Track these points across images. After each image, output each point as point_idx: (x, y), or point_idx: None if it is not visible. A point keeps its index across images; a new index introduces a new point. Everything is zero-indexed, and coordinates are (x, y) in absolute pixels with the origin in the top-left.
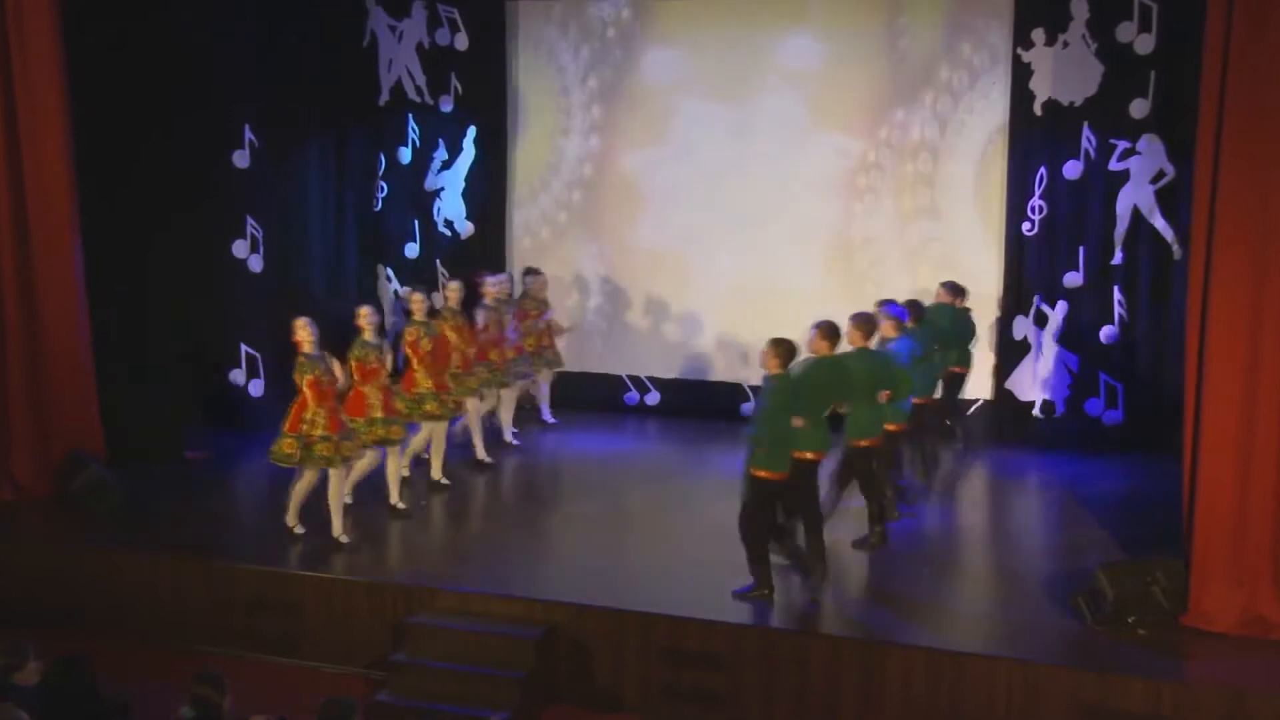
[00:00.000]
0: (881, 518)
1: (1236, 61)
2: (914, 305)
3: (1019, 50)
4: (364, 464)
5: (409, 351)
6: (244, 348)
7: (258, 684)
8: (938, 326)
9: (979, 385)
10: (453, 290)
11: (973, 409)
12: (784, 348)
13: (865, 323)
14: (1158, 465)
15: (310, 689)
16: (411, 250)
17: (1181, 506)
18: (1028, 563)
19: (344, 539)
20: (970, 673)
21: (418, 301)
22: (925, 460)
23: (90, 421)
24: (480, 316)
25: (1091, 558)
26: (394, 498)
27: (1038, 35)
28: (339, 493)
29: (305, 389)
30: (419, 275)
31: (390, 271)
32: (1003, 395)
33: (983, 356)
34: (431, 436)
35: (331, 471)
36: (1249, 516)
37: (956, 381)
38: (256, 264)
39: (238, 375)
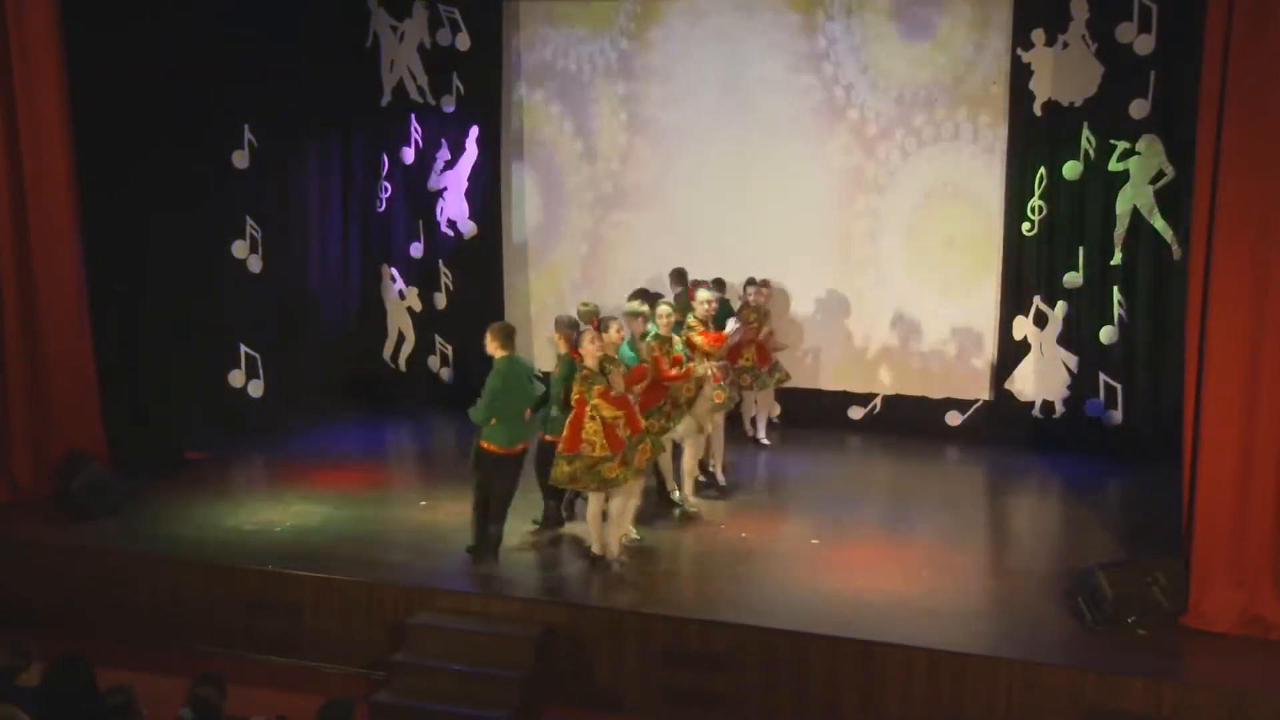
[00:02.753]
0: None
1: (1236, 61)
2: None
3: (1019, 50)
4: None
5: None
6: (244, 348)
7: (258, 684)
8: None
9: (979, 385)
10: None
11: (972, 409)
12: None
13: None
14: (1157, 465)
15: (310, 689)
16: (416, 250)
17: (1181, 506)
18: (1028, 563)
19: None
20: (970, 673)
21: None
22: None
23: (90, 421)
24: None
25: (1091, 558)
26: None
27: (1037, 36)
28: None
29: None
30: (423, 275)
31: (395, 271)
32: (1002, 395)
33: (982, 356)
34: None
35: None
36: (1249, 516)
37: None
38: (256, 264)
39: (237, 376)
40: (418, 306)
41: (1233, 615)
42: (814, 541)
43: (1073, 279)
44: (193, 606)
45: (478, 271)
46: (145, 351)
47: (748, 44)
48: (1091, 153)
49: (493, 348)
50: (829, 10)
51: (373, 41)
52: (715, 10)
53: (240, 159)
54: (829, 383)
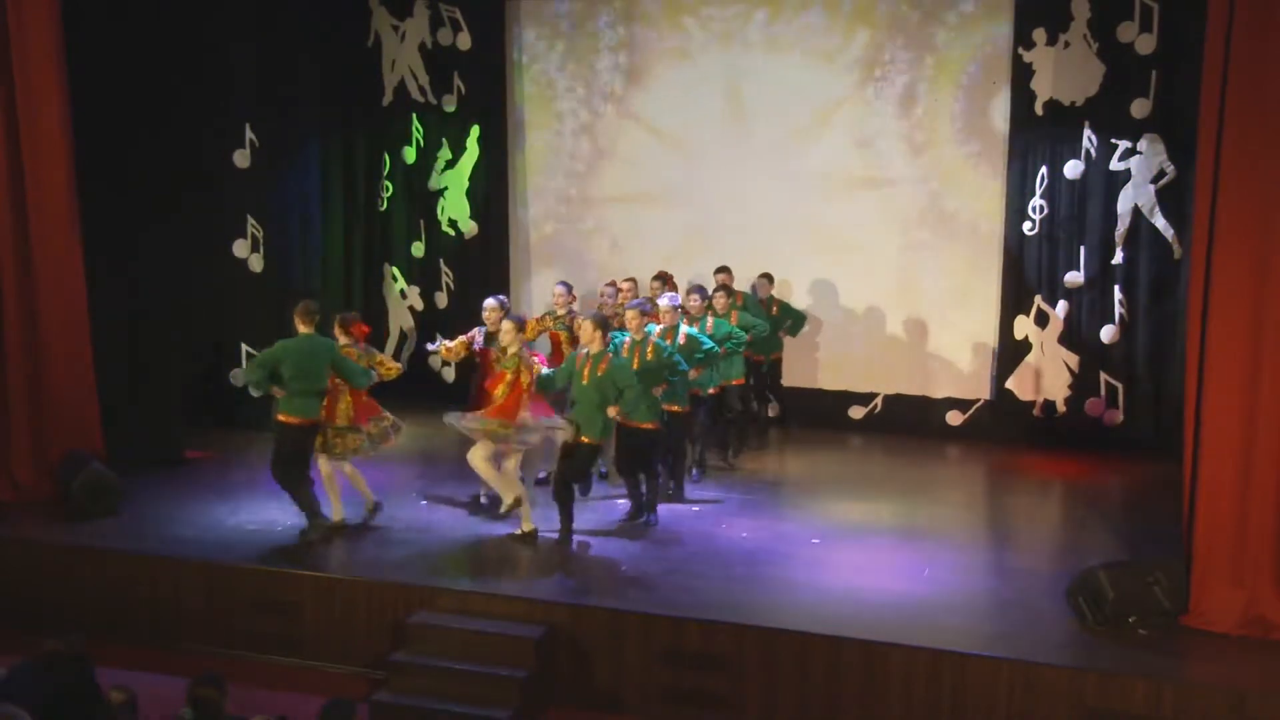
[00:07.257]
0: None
1: (1237, 61)
2: None
3: (1020, 50)
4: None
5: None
6: (244, 348)
7: (258, 684)
8: None
9: (980, 384)
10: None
11: (973, 408)
12: None
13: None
14: (1158, 465)
15: (310, 689)
16: (417, 249)
17: (1181, 506)
18: (1028, 563)
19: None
20: (971, 673)
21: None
22: None
23: (90, 421)
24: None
25: (1091, 558)
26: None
27: (1039, 35)
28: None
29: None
30: (425, 275)
31: (396, 271)
32: (1003, 395)
33: (983, 355)
34: None
35: None
36: (1249, 516)
37: None
38: (257, 263)
39: (237, 375)
40: (419, 306)
41: (1233, 615)
42: (814, 541)
43: (1074, 278)
44: (193, 606)
45: (479, 271)
46: (145, 351)
47: (749, 42)
48: (1093, 152)
49: (297, 323)
50: (829, 8)
51: (374, 41)
52: (717, 9)
53: (241, 158)
54: (829, 382)
